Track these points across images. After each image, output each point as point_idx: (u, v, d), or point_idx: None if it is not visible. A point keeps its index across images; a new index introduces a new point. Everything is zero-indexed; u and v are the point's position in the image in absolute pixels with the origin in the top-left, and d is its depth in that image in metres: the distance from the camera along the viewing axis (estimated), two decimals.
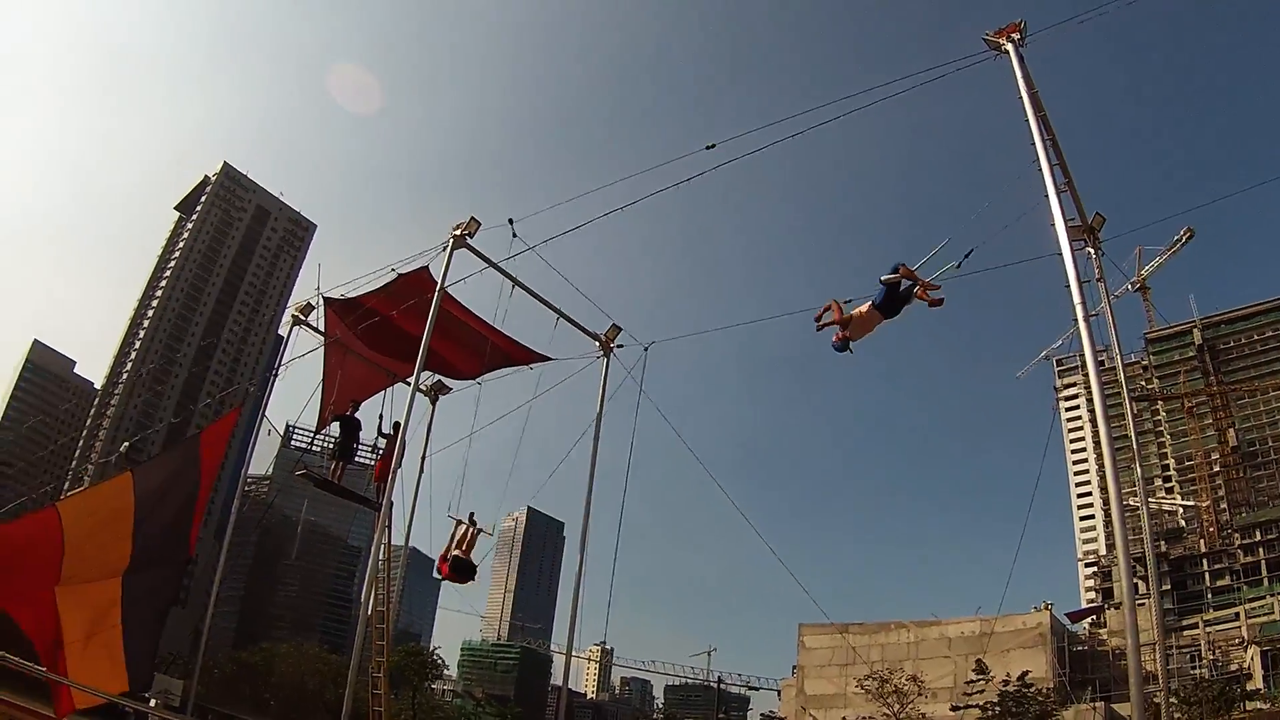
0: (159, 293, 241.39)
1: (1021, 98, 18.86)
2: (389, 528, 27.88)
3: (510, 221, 24.74)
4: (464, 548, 27.15)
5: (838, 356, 18.49)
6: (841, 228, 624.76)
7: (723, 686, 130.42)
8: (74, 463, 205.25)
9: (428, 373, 30.03)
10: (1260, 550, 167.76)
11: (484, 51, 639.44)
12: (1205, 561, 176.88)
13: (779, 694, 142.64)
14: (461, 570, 27.22)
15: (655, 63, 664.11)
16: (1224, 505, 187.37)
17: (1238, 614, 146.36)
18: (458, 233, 24.44)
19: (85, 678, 24.53)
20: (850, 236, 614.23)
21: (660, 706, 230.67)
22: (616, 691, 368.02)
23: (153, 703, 37.61)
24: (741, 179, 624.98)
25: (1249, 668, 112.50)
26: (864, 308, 18.24)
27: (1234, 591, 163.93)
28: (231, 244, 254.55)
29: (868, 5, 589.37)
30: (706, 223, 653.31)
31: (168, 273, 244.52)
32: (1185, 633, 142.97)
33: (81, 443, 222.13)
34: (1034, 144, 18.48)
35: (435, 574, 28.44)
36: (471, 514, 27.92)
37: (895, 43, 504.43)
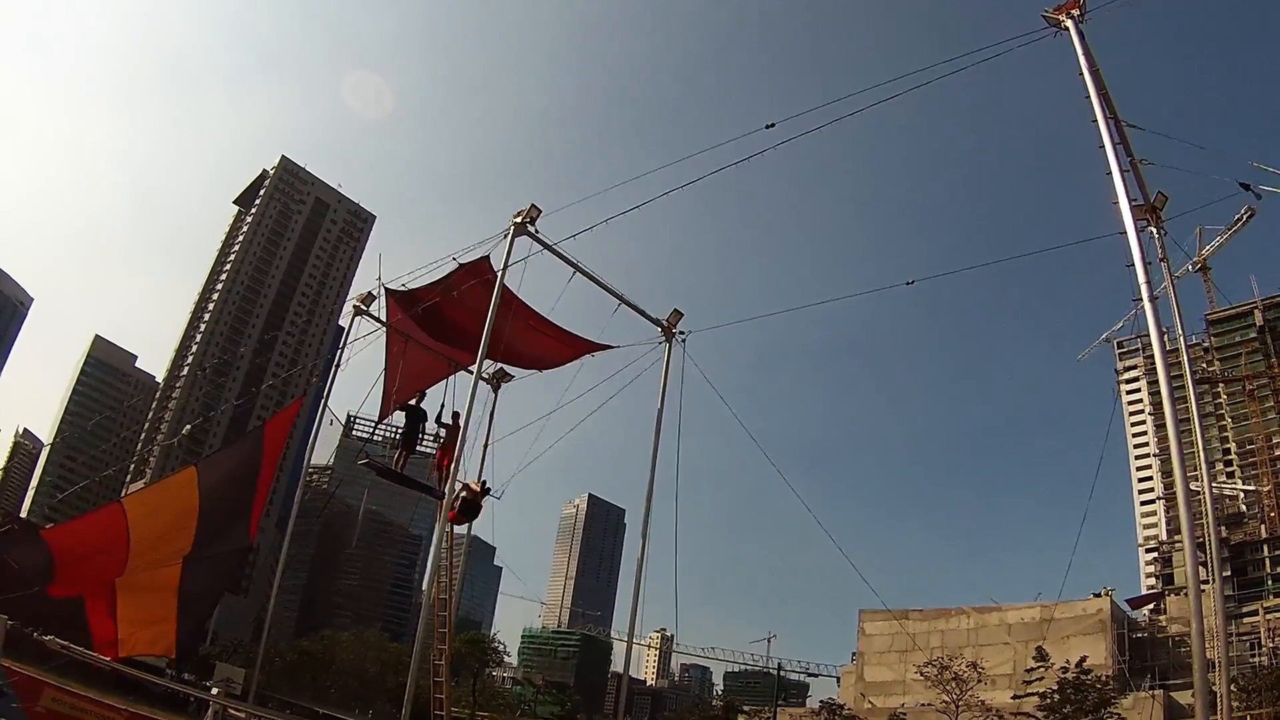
0: (219, 286, 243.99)
1: (1082, 75, 18.72)
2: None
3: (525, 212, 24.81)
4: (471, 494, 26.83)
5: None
6: (901, 210, 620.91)
7: (782, 673, 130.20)
8: (135, 454, 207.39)
9: (490, 361, 29.98)
10: None
11: (542, 41, 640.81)
12: (1266, 547, 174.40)
13: (838, 680, 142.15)
14: (469, 511, 26.99)
15: (718, 48, 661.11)
16: None
17: None
18: (518, 220, 24.49)
19: (136, 639, 25.13)
20: (909, 219, 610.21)
21: (720, 693, 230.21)
22: (676, 678, 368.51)
23: (215, 691, 38.10)
24: (805, 162, 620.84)
25: None
26: None
27: None
28: (291, 236, 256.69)
29: None
30: (772, 209, 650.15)
31: (228, 266, 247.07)
32: (1245, 619, 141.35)
33: (144, 435, 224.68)
34: (1096, 122, 18.34)
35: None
36: (483, 482, 28.04)
37: (960, 21, 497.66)
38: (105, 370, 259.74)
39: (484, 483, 27.65)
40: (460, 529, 30.76)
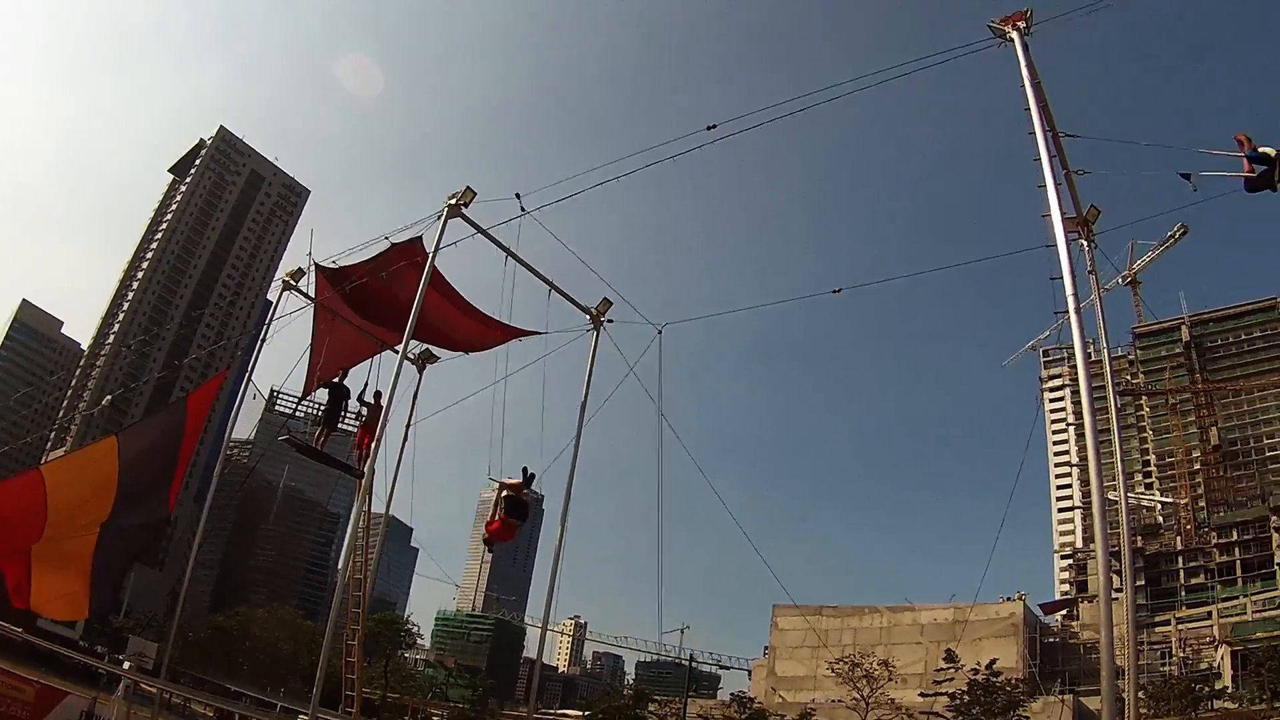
0: (150, 254, 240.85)
1: (1024, 86, 18.84)
2: (370, 496, 27.93)
3: (518, 196, 24.65)
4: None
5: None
6: (845, 212, 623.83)
7: (694, 665, 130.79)
8: (58, 420, 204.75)
9: (416, 341, 29.71)
10: (1236, 550, 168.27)
11: (488, 28, 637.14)
12: (1181, 559, 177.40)
13: (750, 674, 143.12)
14: (518, 510, 25.80)
15: (666, 47, 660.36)
16: (1202, 503, 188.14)
17: (1210, 613, 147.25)
18: (452, 202, 24.30)
19: (49, 596, 24.87)
20: (853, 221, 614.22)
21: (631, 682, 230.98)
22: (588, 666, 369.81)
23: (127, 665, 37.64)
24: (752, 165, 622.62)
25: (1219, 667, 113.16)
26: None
27: (1208, 590, 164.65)
28: (224, 208, 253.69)
29: None
30: (717, 211, 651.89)
31: (159, 235, 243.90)
32: (1157, 629, 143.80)
33: (66, 402, 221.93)
34: (1033, 133, 18.47)
35: (485, 539, 27.45)
36: (524, 470, 26.38)
37: (916, 29, 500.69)
38: (30, 335, 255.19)
39: (525, 471, 26.23)
40: (378, 508, 30.60)
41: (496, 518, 25.80)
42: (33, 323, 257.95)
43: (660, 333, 28.40)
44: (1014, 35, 19.39)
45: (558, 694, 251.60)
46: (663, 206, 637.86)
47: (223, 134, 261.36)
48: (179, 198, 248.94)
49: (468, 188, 24.52)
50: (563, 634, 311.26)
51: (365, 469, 25.98)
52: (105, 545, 25.07)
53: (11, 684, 31.54)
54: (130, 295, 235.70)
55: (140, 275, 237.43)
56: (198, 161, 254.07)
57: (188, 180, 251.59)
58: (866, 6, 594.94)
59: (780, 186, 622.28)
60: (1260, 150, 17.20)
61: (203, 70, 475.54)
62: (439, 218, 24.46)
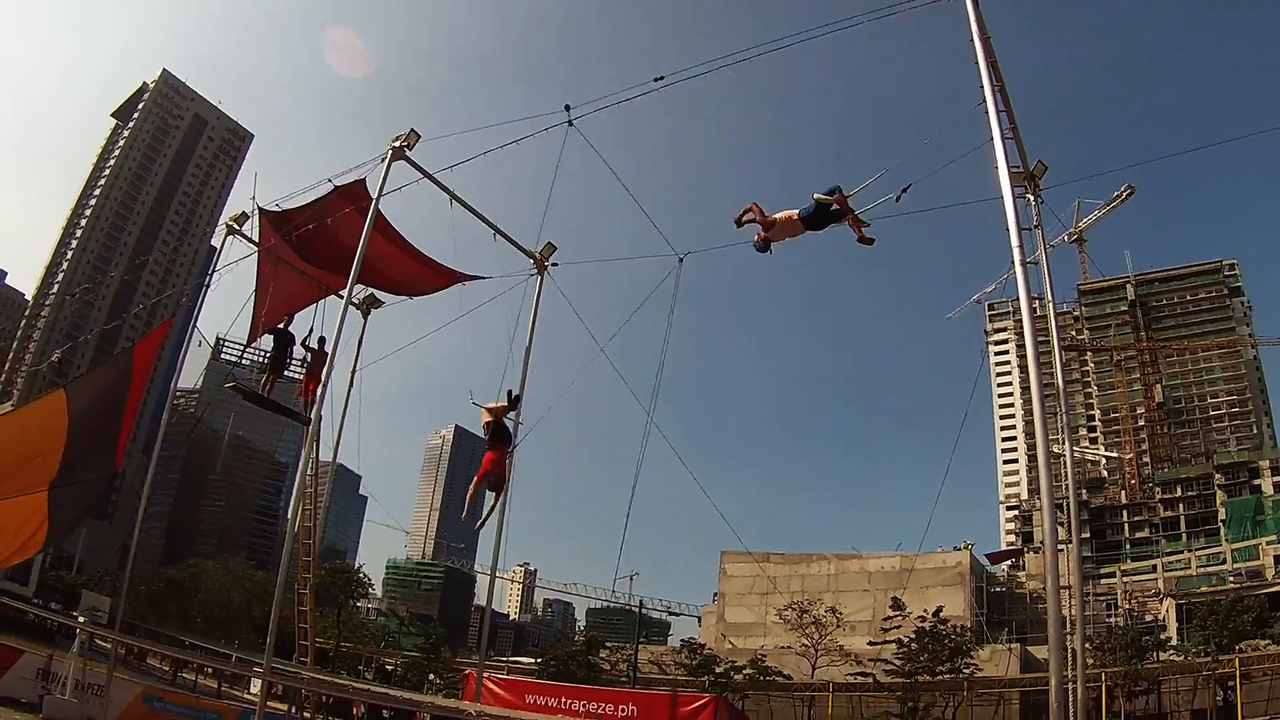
0: (93, 201, 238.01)
1: (973, 40, 18.74)
2: (317, 442, 27.74)
3: (567, 107, 24.06)
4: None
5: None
6: (782, 163, 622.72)
7: (644, 611, 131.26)
8: (2, 375, 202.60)
9: (360, 286, 29.49)
10: (1180, 506, 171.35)
11: None
12: (1125, 513, 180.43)
13: (699, 620, 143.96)
14: (501, 435, 24.87)
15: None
16: (1146, 459, 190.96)
17: (1155, 566, 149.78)
18: (396, 144, 24.01)
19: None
20: (790, 172, 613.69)
21: (582, 629, 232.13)
22: (539, 613, 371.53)
23: (81, 619, 37.41)
24: (696, 118, 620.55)
25: (1164, 620, 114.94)
26: (791, 213, 17.65)
27: (1152, 544, 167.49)
28: (167, 152, 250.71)
29: None
30: (651, 154, 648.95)
31: (102, 181, 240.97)
32: (1103, 581, 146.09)
33: (11, 354, 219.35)
34: (982, 87, 18.40)
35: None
36: (509, 392, 25.51)
37: None
38: None
39: (510, 394, 25.35)
40: (325, 455, 30.40)
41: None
42: None
43: (681, 261, 28.20)
44: None
45: (509, 641, 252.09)
46: (600, 149, 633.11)
47: (165, 77, 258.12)
48: (121, 143, 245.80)
49: (412, 130, 24.21)
50: (513, 581, 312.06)
51: (310, 414, 25.72)
52: (56, 511, 24.85)
53: None
54: (74, 244, 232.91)
55: (84, 223, 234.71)
56: (140, 105, 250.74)
57: (130, 125, 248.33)
58: None
59: (717, 136, 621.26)
60: (816, 197, 17.36)
61: (145, 9, 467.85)
62: (383, 160, 24.19)
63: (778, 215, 17.82)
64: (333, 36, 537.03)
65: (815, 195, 17.39)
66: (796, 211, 17.68)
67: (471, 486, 24.50)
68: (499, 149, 24.21)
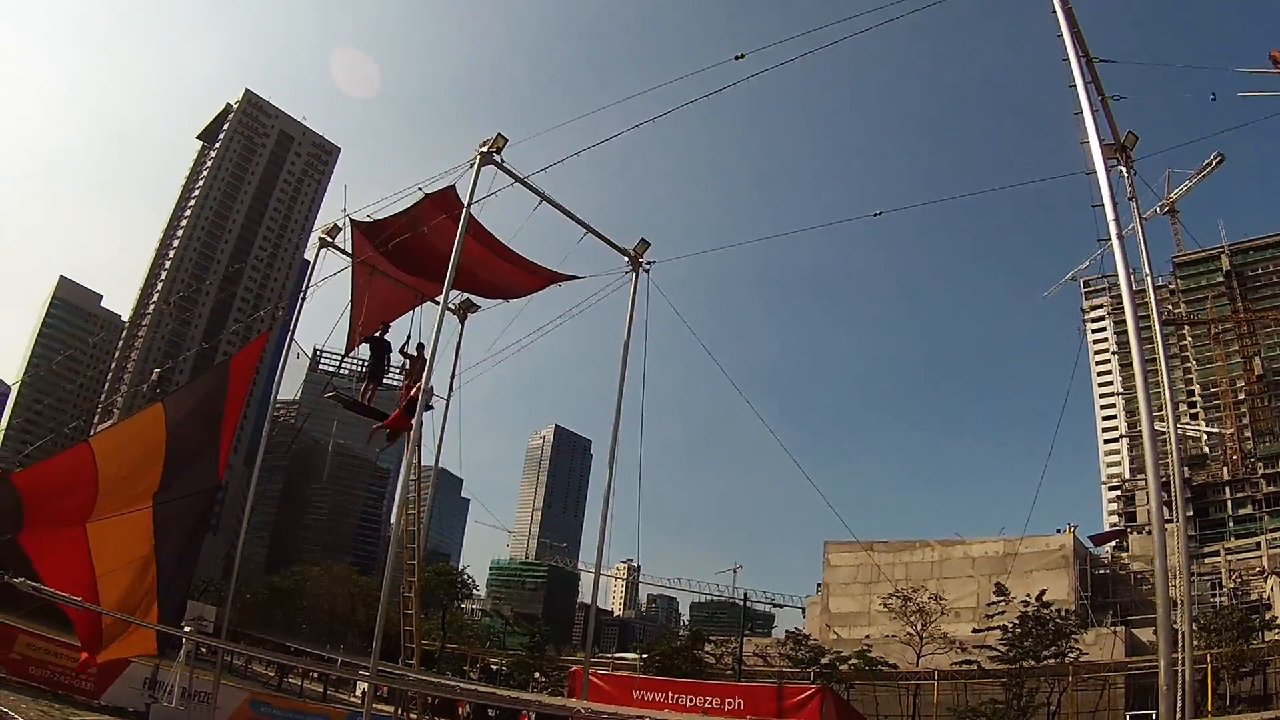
0: (184, 222, 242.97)
1: (1056, 13, 18.54)
2: (419, 448, 28.07)
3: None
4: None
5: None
6: (865, 145, 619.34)
7: (748, 604, 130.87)
8: (103, 396, 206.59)
9: (456, 291, 29.70)
10: None
11: None
12: (1228, 489, 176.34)
13: (804, 611, 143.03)
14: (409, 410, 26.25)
15: None
16: (1248, 434, 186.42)
17: (1259, 543, 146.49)
18: (484, 149, 24.07)
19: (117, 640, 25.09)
20: (873, 154, 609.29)
21: (686, 623, 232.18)
22: (643, 608, 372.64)
23: (187, 629, 38.21)
24: (773, 93, 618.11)
25: (1269, 598, 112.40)
26: None
27: (1255, 521, 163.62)
28: (255, 170, 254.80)
29: None
30: (736, 141, 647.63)
31: (192, 202, 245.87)
32: (1206, 560, 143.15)
33: (110, 375, 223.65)
34: (1068, 60, 18.20)
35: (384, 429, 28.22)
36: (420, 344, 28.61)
37: None
38: (71, 311, 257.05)
39: (417, 352, 28.31)
40: (427, 460, 30.74)
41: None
42: (72, 298, 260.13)
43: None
44: None
45: (614, 637, 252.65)
46: (683, 140, 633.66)
47: (249, 97, 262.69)
48: (209, 164, 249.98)
49: (499, 134, 24.25)
50: (616, 578, 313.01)
51: (413, 421, 26.02)
52: (164, 533, 25.17)
53: (74, 655, 32.00)
54: (167, 264, 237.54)
55: (176, 244, 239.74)
56: (225, 126, 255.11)
57: (216, 145, 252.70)
58: None
59: (798, 118, 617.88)
60: None
61: (225, 32, 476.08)
62: (471, 165, 24.23)
63: None
64: (341, 58, 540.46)
65: None
66: None
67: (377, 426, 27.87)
68: (592, 148, 24.33)
